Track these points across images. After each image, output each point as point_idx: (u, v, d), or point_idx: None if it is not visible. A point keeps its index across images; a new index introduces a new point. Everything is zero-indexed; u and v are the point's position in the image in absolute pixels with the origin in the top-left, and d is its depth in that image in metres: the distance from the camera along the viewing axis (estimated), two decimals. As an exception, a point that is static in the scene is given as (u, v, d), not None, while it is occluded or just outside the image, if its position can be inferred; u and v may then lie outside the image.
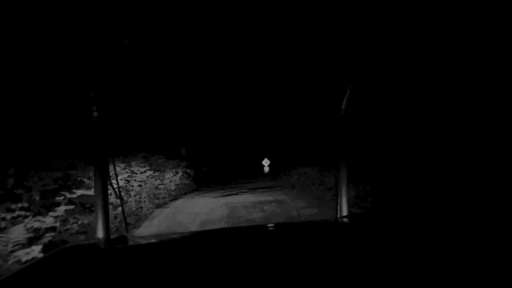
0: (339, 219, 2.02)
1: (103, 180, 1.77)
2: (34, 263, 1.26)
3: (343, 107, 2.31)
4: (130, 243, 1.70)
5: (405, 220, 1.95)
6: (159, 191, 11.13)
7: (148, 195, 10.24)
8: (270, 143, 24.35)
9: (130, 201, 8.45)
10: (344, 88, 2.33)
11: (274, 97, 18.69)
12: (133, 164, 10.59)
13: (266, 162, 24.79)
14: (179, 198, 12.10)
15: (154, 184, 10.66)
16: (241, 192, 12.69)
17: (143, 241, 1.81)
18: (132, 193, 8.96)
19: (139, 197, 9.08)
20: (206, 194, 12.79)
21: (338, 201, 2.11)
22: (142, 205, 8.92)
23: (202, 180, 17.69)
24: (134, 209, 8.70)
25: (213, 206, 9.84)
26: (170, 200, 11.61)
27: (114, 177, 2.23)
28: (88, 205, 7.77)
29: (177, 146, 19.91)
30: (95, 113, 1.81)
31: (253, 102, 21.53)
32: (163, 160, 13.70)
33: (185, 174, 15.07)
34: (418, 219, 1.97)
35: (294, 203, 9.39)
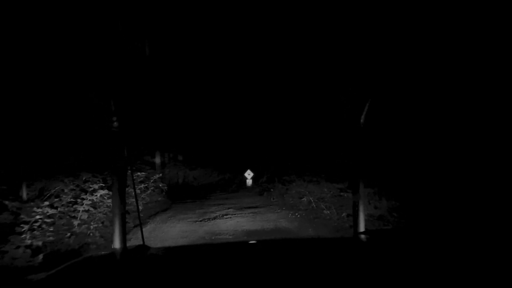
0: (357, 236, 2.28)
1: (121, 191, 2.12)
2: (54, 273, 1.28)
3: (362, 120, 2.65)
4: (147, 253, 1.67)
5: (425, 236, 1.83)
6: (120, 215, 8.32)
7: (102, 223, 7.43)
8: (256, 150, 21.81)
9: (67, 238, 5.65)
10: (363, 103, 2.73)
11: (264, 101, 16.41)
12: (83, 178, 7.81)
13: (249, 175, 22.10)
14: (147, 223, 9.32)
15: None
16: (227, 214, 10.00)
17: (158, 253, 1.81)
18: (76, 223, 6.15)
19: (87, 229, 6.26)
20: (182, 216, 10.05)
21: (356, 217, 2.55)
22: (89, 240, 6.09)
23: (176, 194, 14.92)
24: (77, 247, 5.90)
25: (193, 238, 7.20)
26: (135, 226, 8.81)
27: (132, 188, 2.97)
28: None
29: (149, 151, 17.02)
30: (115, 123, 2.22)
31: (241, 106, 19.15)
32: (128, 172, 10.88)
33: (156, 190, 12.30)
34: (440, 236, 1.84)
35: (307, 234, 6.86)
